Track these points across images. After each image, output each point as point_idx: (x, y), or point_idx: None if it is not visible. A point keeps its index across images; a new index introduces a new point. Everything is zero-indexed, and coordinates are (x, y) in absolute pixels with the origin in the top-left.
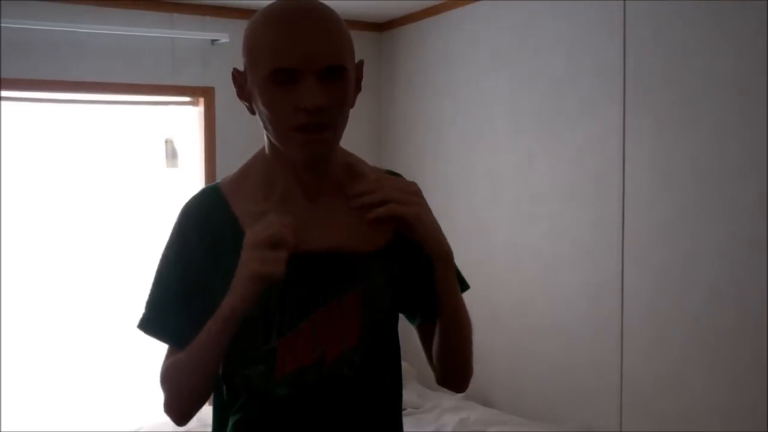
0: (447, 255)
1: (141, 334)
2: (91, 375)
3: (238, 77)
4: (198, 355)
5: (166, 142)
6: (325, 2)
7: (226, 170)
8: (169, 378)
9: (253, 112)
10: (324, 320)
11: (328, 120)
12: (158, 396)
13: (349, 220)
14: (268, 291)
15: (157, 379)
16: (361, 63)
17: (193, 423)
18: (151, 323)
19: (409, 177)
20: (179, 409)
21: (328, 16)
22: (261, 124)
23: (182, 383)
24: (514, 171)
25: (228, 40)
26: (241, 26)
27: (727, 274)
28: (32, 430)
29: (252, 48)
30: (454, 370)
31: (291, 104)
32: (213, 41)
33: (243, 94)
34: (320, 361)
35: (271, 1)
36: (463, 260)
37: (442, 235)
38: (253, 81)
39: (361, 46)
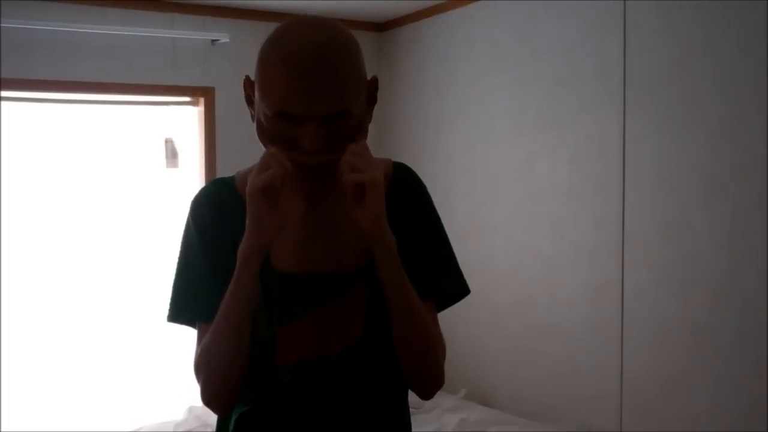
0: (383, 238)
1: (141, 333)
2: (91, 375)
3: (248, 87)
4: (227, 311)
5: (166, 142)
6: (329, 2)
7: (226, 170)
8: (204, 356)
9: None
10: (329, 315)
11: (329, 149)
12: (157, 396)
13: (345, 231)
14: (270, 281)
15: (191, 370)
16: (374, 79)
17: (194, 422)
18: (183, 310)
19: None
20: (218, 391)
21: (338, 55)
22: (256, 133)
23: (218, 354)
24: (514, 171)
25: (228, 40)
26: (241, 26)
27: (727, 274)
28: (32, 430)
29: (262, 80)
30: (412, 370)
31: (293, 137)
32: (213, 41)
33: (250, 101)
34: (323, 354)
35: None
36: (463, 260)
37: (384, 220)
38: (260, 104)
39: (361, 46)
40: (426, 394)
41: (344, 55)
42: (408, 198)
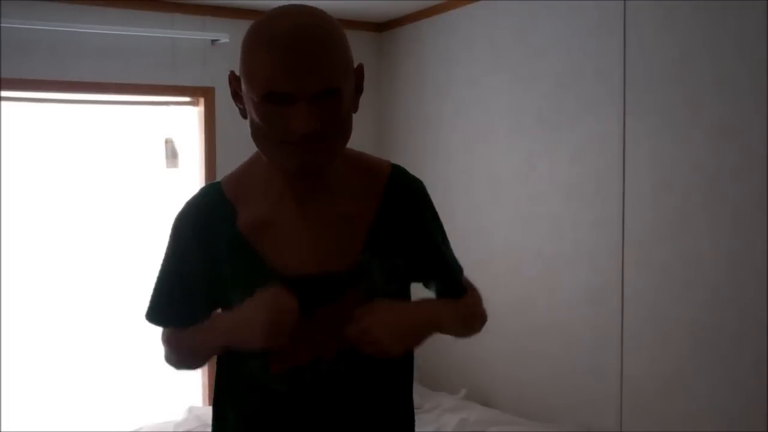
0: (409, 348)
1: (142, 333)
2: (91, 375)
3: (233, 81)
4: (193, 352)
5: (166, 142)
6: (328, 2)
7: (226, 170)
8: (168, 351)
9: (245, 117)
10: (321, 319)
11: (321, 135)
12: (157, 396)
13: (334, 233)
14: (260, 285)
15: (160, 359)
16: (360, 67)
17: (193, 422)
18: (153, 314)
19: None
20: (182, 369)
21: (324, 35)
22: (250, 132)
23: (182, 362)
24: (514, 171)
25: (228, 40)
26: (241, 26)
27: (727, 274)
28: (33, 430)
29: (247, 65)
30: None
31: (284, 122)
32: (213, 41)
33: (237, 97)
34: (318, 360)
35: None
36: (463, 260)
37: (400, 333)
38: (248, 94)
39: (361, 46)
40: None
41: (330, 35)
42: (408, 199)
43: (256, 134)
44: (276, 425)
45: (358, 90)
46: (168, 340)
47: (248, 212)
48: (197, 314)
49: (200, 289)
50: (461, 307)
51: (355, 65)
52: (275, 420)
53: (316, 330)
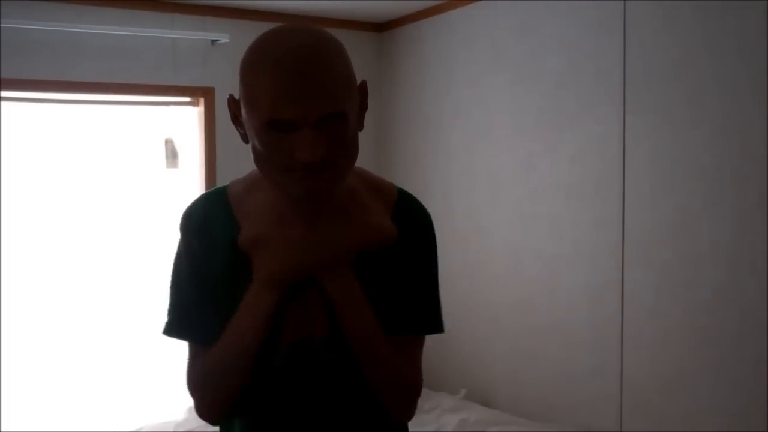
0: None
1: (141, 333)
2: (92, 375)
3: (233, 105)
4: (244, 331)
5: (166, 142)
6: (328, 2)
7: (226, 170)
8: (204, 377)
9: (246, 141)
10: (315, 297)
11: (327, 162)
12: (158, 396)
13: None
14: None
15: (184, 385)
16: (363, 84)
17: (194, 422)
18: (176, 327)
19: (409, 177)
20: (216, 408)
21: (326, 57)
22: (252, 157)
23: (228, 369)
24: (514, 171)
25: (228, 40)
26: (241, 26)
27: (727, 274)
28: (33, 430)
29: (248, 92)
30: (379, 399)
31: (288, 150)
32: (213, 41)
33: (237, 121)
34: (310, 336)
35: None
36: (463, 260)
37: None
38: (249, 120)
39: (361, 46)
40: (394, 419)
41: (332, 56)
42: (415, 229)
43: (258, 160)
44: (271, 399)
45: (363, 107)
46: (201, 366)
47: (250, 227)
48: (221, 318)
49: (219, 295)
50: (391, 354)
51: (358, 81)
52: (271, 394)
53: (310, 306)
